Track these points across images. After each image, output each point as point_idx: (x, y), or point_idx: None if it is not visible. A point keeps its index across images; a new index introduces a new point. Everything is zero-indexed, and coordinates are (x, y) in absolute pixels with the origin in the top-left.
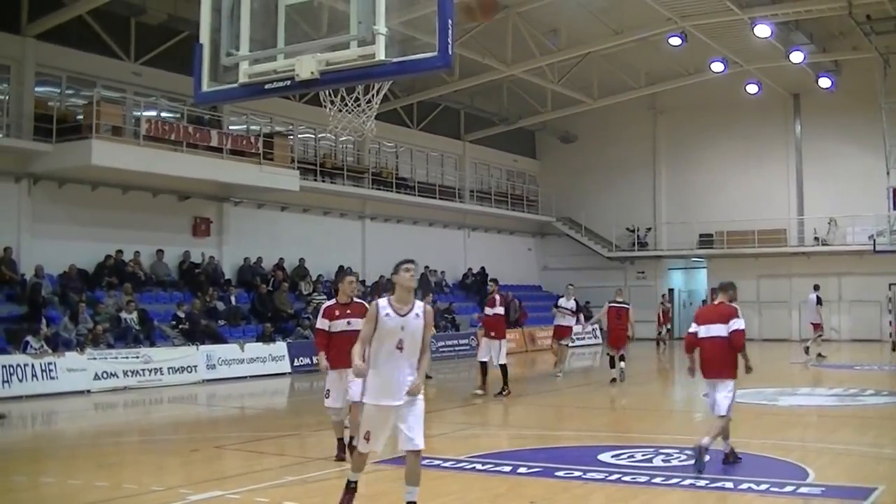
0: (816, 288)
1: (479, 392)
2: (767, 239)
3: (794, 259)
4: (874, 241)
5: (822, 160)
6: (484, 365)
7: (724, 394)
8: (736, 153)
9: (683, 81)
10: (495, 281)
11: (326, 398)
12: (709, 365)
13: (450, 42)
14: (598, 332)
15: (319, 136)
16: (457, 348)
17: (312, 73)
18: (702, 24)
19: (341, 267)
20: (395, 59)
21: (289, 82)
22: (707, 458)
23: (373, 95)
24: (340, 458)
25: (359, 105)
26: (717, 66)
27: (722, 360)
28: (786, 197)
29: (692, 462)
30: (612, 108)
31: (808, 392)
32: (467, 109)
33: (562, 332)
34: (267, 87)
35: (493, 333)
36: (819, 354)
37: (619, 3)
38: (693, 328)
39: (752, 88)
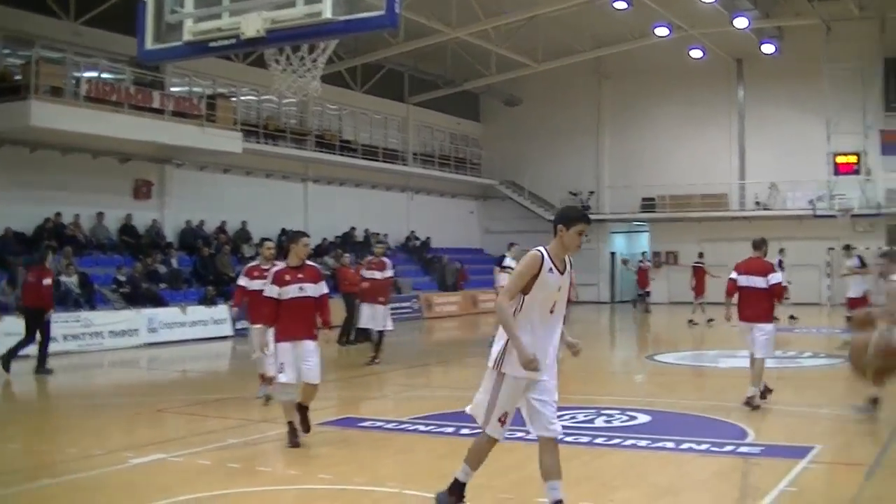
0: (781, 252)
1: (377, 361)
2: (709, 203)
3: (735, 223)
4: (814, 205)
5: (764, 125)
6: (367, 332)
7: (761, 336)
8: (679, 118)
9: (628, 46)
10: (383, 242)
11: (281, 373)
12: (747, 310)
13: (396, 1)
14: None
15: (263, 98)
16: (400, 310)
17: (258, 31)
18: None
19: (284, 229)
20: (341, 18)
21: (234, 41)
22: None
23: (318, 55)
24: (295, 444)
25: (304, 65)
26: (662, 31)
27: (759, 306)
28: (728, 162)
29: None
30: (556, 72)
31: (749, 354)
32: (411, 72)
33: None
34: (212, 45)
35: (381, 299)
36: (791, 316)
37: None
38: (734, 275)
39: (696, 53)
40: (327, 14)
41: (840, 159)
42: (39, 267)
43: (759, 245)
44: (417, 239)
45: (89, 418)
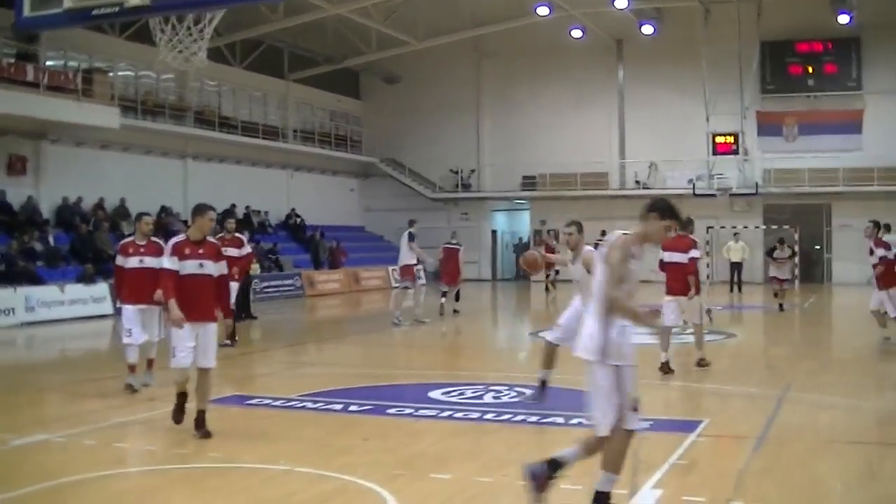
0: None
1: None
2: (590, 182)
3: (615, 202)
4: (693, 184)
5: (644, 106)
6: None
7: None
8: (560, 97)
9: (509, 24)
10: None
11: (177, 356)
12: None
13: None
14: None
15: (140, 73)
16: (281, 288)
17: None
18: None
19: (164, 207)
20: None
21: (117, 8)
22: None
23: (204, 25)
24: (179, 420)
25: (191, 34)
26: (543, 10)
27: (683, 280)
28: (608, 141)
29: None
30: (436, 50)
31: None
32: (291, 48)
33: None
34: (94, 13)
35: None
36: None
37: None
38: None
39: (576, 33)
40: None
41: (718, 139)
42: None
43: (687, 224)
44: (298, 216)
45: None
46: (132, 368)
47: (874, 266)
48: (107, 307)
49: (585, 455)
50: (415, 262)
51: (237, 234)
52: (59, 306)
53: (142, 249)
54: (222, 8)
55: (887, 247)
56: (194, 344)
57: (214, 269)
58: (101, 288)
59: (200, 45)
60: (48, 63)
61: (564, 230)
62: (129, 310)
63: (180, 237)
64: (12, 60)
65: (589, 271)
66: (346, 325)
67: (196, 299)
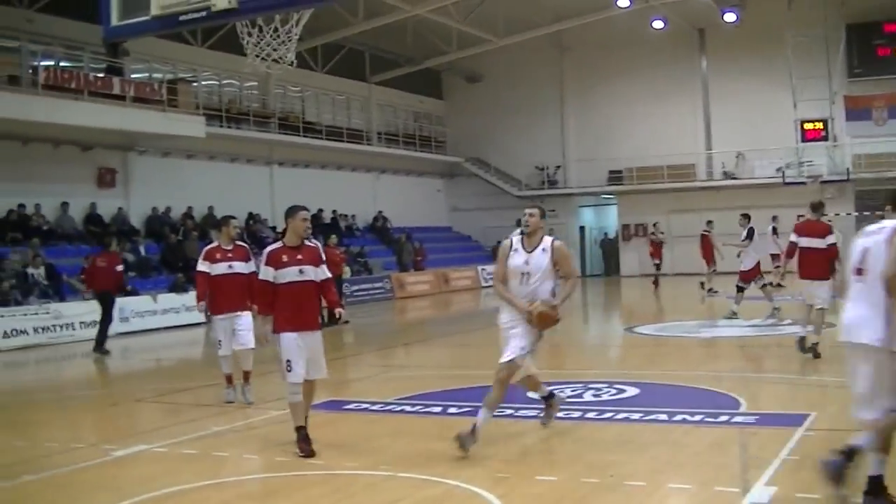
0: (774, 219)
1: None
2: (676, 174)
3: (703, 193)
4: (783, 173)
5: (728, 95)
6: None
7: (821, 290)
8: (643, 89)
9: (589, 18)
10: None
11: (288, 371)
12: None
13: None
14: None
15: (224, 81)
16: (371, 291)
17: (230, 2)
18: None
19: (252, 213)
20: None
21: (205, 13)
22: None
23: (292, 26)
24: (310, 452)
25: (279, 36)
26: (624, 2)
27: (819, 266)
28: (693, 132)
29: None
30: (517, 47)
31: (727, 324)
32: (372, 51)
33: None
34: (182, 18)
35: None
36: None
37: None
38: (793, 238)
39: (658, 24)
40: None
41: (807, 126)
42: (109, 253)
43: (818, 207)
44: (385, 219)
45: (66, 411)
46: (228, 380)
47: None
48: (199, 315)
49: (881, 441)
50: None
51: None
52: (153, 316)
53: (229, 255)
54: (307, 8)
55: None
56: (308, 356)
57: (315, 274)
58: (193, 296)
59: (288, 46)
60: (133, 75)
61: (528, 211)
62: (218, 319)
63: (276, 244)
64: (100, 75)
65: (556, 264)
66: (437, 327)
67: (300, 308)
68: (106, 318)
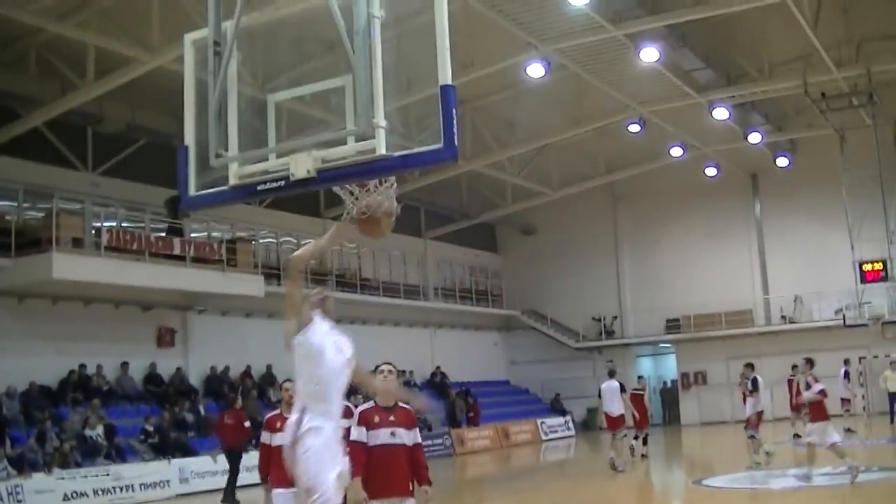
0: (846, 362)
1: None
2: (734, 320)
3: (762, 338)
4: (844, 315)
5: (784, 238)
6: None
7: None
8: (698, 236)
9: (642, 168)
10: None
11: None
12: None
13: (455, 133)
14: (570, 424)
15: (281, 240)
16: (431, 448)
17: (308, 171)
18: (660, 109)
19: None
20: (397, 154)
21: (283, 182)
22: None
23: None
24: None
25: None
26: (676, 151)
27: None
28: (750, 277)
29: None
30: (571, 198)
31: (797, 473)
32: (427, 206)
33: (616, 423)
34: (260, 188)
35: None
36: (848, 429)
37: (577, 92)
38: None
39: (710, 171)
40: (381, 150)
41: (866, 267)
42: (235, 411)
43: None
44: (443, 374)
45: None
46: None
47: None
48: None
49: None
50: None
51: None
52: (213, 476)
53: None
54: (392, 174)
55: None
56: None
57: (409, 437)
58: (254, 456)
59: (391, 192)
60: (193, 234)
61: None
62: (280, 494)
63: (368, 404)
64: (161, 234)
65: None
66: (503, 483)
67: (389, 474)
68: (234, 473)
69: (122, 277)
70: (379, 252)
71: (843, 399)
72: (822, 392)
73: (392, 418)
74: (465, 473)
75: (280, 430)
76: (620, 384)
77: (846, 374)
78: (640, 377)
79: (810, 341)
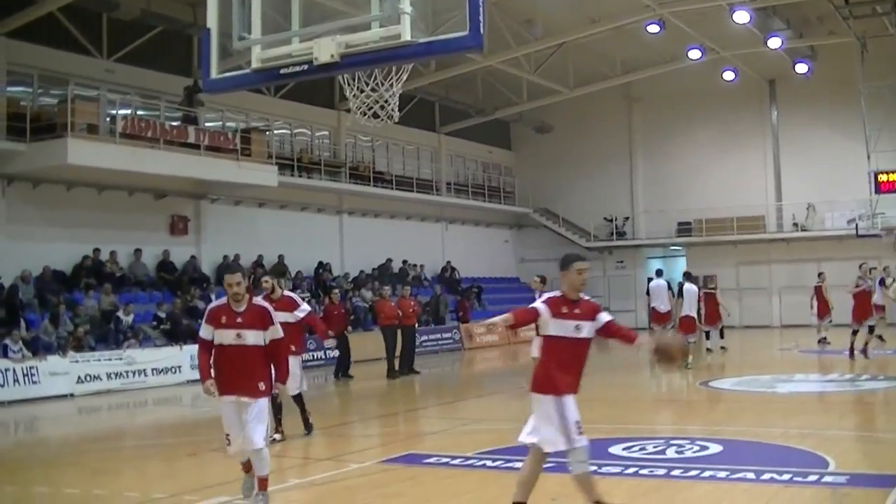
0: (885, 270)
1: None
2: (746, 226)
3: (773, 245)
4: (856, 225)
5: (799, 146)
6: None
7: None
8: (712, 140)
9: (660, 69)
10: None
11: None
12: None
13: (481, 20)
14: None
15: (295, 131)
16: (440, 342)
17: (332, 56)
18: (680, 10)
19: (321, 262)
20: (421, 40)
21: (306, 67)
22: None
23: (393, 82)
24: None
25: (381, 85)
26: (695, 54)
27: None
28: (763, 183)
29: None
30: (587, 98)
31: (804, 378)
32: (442, 101)
33: (663, 318)
34: (282, 72)
35: (293, 348)
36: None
37: None
38: None
39: (728, 75)
40: (406, 36)
41: (881, 178)
42: (338, 303)
43: None
44: (454, 269)
45: (143, 459)
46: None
47: None
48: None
49: None
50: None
51: (288, 294)
52: None
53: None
54: (415, 61)
55: None
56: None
57: (588, 330)
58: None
59: (392, 104)
60: (207, 124)
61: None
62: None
63: (553, 294)
64: (175, 124)
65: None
66: (508, 378)
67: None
68: (347, 353)
69: (137, 164)
70: (393, 145)
71: (876, 306)
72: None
73: (577, 311)
74: (473, 368)
75: (225, 325)
76: (668, 283)
77: (881, 282)
78: (706, 278)
79: (821, 250)
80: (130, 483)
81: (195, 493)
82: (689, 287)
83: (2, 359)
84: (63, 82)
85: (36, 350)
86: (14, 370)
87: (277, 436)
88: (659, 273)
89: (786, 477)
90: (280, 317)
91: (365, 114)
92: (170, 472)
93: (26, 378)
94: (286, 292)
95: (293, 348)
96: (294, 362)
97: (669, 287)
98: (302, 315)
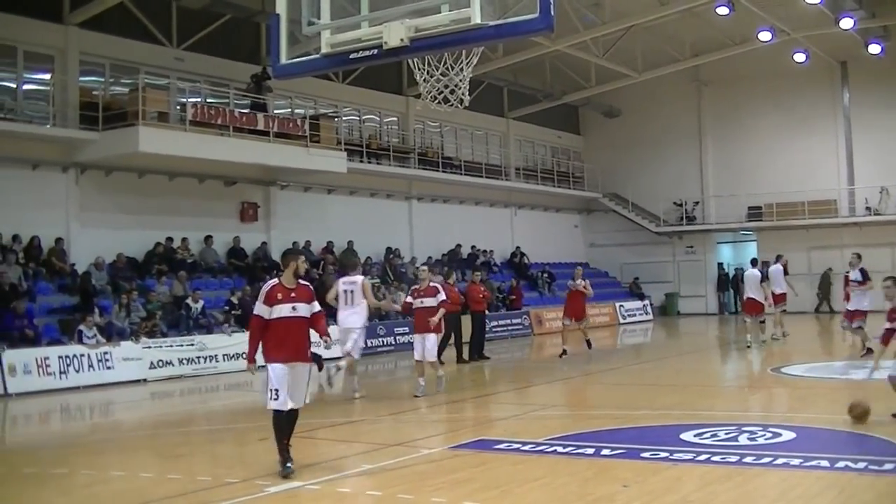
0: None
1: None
2: (817, 210)
3: (844, 230)
4: None
5: (871, 128)
6: (420, 365)
7: None
8: (783, 123)
9: (729, 52)
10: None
11: None
12: None
13: (552, 2)
14: (648, 308)
15: (364, 117)
16: (510, 328)
17: (402, 40)
18: None
19: (390, 248)
20: (491, 23)
21: (375, 51)
22: None
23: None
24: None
25: (452, 69)
26: (765, 36)
27: None
28: (835, 167)
29: None
30: (656, 81)
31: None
32: (510, 86)
33: (756, 308)
34: (352, 56)
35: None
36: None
37: None
38: None
39: (799, 57)
40: (476, 19)
41: None
42: (475, 284)
43: None
44: (523, 254)
45: (214, 444)
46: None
47: None
48: (336, 350)
49: None
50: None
51: (433, 284)
52: None
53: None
54: (485, 44)
55: None
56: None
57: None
58: (335, 330)
59: (463, 88)
60: (276, 111)
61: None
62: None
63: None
64: (244, 111)
65: None
66: (576, 365)
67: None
68: (483, 333)
69: (207, 151)
70: (461, 131)
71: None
72: None
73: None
74: (544, 353)
75: (282, 301)
76: (761, 272)
77: (784, 271)
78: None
79: (894, 234)
80: (203, 468)
81: (266, 478)
82: (752, 273)
83: (77, 344)
84: (134, 71)
85: (109, 336)
86: (89, 356)
87: (357, 394)
88: (754, 263)
89: (861, 465)
90: (426, 301)
91: (435, 98)
92: (241, 457)
93: (101, 363)
94: (432, 283)
95: (432, 326)
96: (432, 339)
97: (764, 277)
98: (441, 299)
